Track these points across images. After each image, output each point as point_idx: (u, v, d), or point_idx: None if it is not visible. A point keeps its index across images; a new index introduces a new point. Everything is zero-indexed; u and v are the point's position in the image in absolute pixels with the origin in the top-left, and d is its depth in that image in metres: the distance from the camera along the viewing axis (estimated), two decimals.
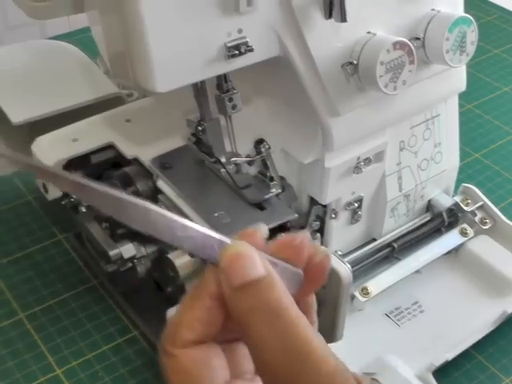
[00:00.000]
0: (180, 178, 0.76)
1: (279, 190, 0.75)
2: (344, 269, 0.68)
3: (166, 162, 0.78)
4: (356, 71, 0.72)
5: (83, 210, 0.81)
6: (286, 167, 0.81)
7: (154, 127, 0.83)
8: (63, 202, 0.83)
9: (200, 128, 0.75)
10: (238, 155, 0.76)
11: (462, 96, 0.88)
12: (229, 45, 0.67)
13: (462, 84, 0.85)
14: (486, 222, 0.90)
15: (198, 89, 0.73)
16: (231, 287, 0.46)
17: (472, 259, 0.88)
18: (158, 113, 0.86)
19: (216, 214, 0.72)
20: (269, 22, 0.69)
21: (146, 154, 0.79)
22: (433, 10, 0.78)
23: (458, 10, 0.80)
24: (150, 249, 0.79)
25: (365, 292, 0.82)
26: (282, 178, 0.80)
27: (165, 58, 0.65)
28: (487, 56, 1.28)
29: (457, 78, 0.84)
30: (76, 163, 0.82)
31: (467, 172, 1.05)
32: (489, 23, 1.39)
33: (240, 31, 0.68)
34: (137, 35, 0.64)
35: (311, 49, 0.71)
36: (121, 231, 0.83)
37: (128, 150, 0.80)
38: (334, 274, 0.68)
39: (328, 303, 0.70)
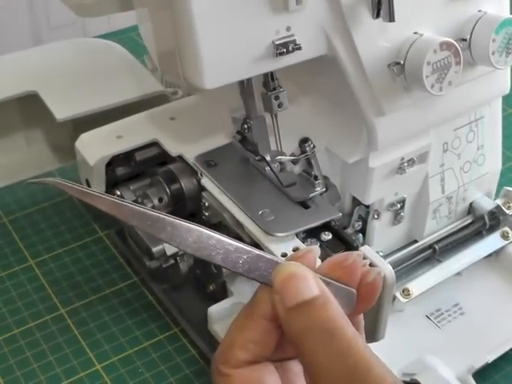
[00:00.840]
0: (224, 175, 0.77)
1: (323, 189, 0.75)
2: (388, 269, 0.68)
3: (210, 160, 0.78)
4: (402, 71, 0.72)
5: None
6: (330, 167, 0.81)
7: (199, 125, 0.83)
8: None
9: (245, 126, 0.75)
10: (282, 154, 0.76)
11: (504, 99, 0.88)
12: (277, 42, 0.67)
13: (506, 87, 0.85)
14: None
15: (245, 86, 0.74)
16: (285, 308, 0.46)
17: None
18: (203, 111, 0.86)
19: (260, 212, 0.72)
20: (317, 21, 0.69)
21: (191, 151, 0.80)
22: (479, 11, 0.77)
23: (505, 12, 0.80)
24: None
25: (406, 293, 0.82)
26: (325, 178, 0.80)
27: (214, 54, 0.65)
28: None
29: (501, 80, 0.84)
30: (120, 160, 0.83)
31: (508, 176, 1.05)
32: None
33: (288, 29, 0.68)
34: (187, 32, 0.64)
35: (358, 48, 0.71)
36: None
37: (172, 148, 0.81)
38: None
39: None
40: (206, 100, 0.87)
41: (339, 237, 0.72)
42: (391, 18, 0.70)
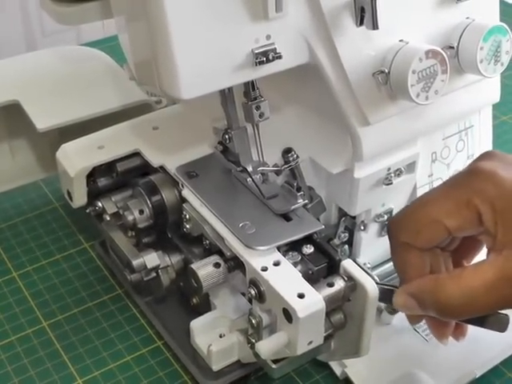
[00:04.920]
0: (205, 186, 0.75)
1: (306, 201, 0.73)
2: (370, 283, 0.66)
3: (191, 171, 0.76)
4: (387, 80, 0.71)
5: (107, 218, 0.80)
6: (315, 177, 0.79)
7: (182, 135, 0.82)
8: (88, 210, 0.82)
9: (227, 136, 0.73)
10: (265, 164, 0.75)
11: (496, 107, 0.86)
12: (256, 51, 0.65)
13: (496, 94, 0.83)
14: None
15: (225, 96, 0.72)
16: None
17: None
18: (187, 120, 0.84)
19: (241, 224, 0.70)
20: (298, 29, 0.67)
21: (173, 162, 0.78)
22: (468, 18, 0.76)
23: (494, 19, 0.78)
24: (175, 258, 0.78)
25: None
26: (310, 188, 0.79)
27: (190, 64, 0.64)
28: None
29: (491, 88, 0.82)
30: (102, 171, 0.81)
31: None
32: None
33: (268, 37, 0.66)
34: (162, 41, 0.63)
35: (342, 56, 0.69)
36: (146, 240, 0.82)
37: (154, 158, 0.79)
38: (360, 288, 0.66)
39: (354, 317, 0.68)
40: (190, 109, 0.85)
41: (322, 250, 0.70)
42: (375, 26, 0.68)
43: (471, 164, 0.71)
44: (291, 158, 0.74)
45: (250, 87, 0.71)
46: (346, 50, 0.69)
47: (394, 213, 0.82)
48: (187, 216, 0.75)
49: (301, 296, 0.65)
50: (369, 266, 0.83)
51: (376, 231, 0.82)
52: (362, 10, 0.68)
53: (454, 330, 0.74)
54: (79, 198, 0.81)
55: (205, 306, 0.79)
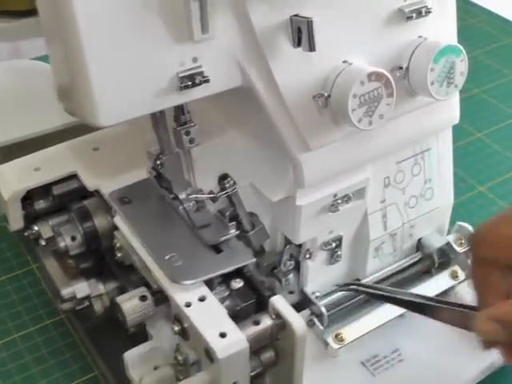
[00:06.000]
0: (138, 214, 0.71)
1: (237, 232, 0.69)
2: (298, 322, 0.62)
3: (125, 197, 0.73)
4: (328, 104, 0.67)
5: (43, 243, 0.77)
6: (258, 203, 0.75)
7: (122, 157, 0.78)
8: (26, 234, 0.79)
9: (158, 162, 0.70)
10: (199, 191, 0.71)
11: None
12: (181, 75, 0.62)
13: (454, 116, 0.79)
14: None
15: (157, 119, 0.68)
16: None
17: None
18: (128, 141, 0.81)
19: (168, 256, 0.67)
20: (229, 51, 0.64)
21: (108, 185, 0.75)
22: (420, 36, 0.72)
23: (450, 38, 0.74)
24: (110, 286, 0.75)
25: (339, 339, 0.76)
26: (253, 215, 0.75)
27: (109, 89, 0.60)
28: (504, 80, 1.20)
29: (449, 109, 0.78)
30: (40, 194, 0.78)
31: (470, 206, 0.98)
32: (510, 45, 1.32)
33: (195, 60, 0.63)
34: (78, 64, 0.59)
35: (278, 79, 0.65)
36: (84, 265, 0.79)
37: (90, 181, 0.76)
38: (288, 327, 0.63)
39: (285, 355, 0.65)
40: (134, 128, 0.82)
41: (251, 285, 0.66)
42: (311, 48, 0.64)
43: None
44: (227, 185, 0.70)
45: (179, 111, 0.67)
46: (282, 72, 0.65)
47: (344, 240, 0.78)
48: (118, 244, 0.72)
49: (223, 335, 0.61)
50: (318, 294, 0.79)
51: (324, 259, 0.79)
52: (299, 30, 0.64)
53: None
54: (15, 222, 0.78)
55: (143, 335, 0.76)
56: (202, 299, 0.64)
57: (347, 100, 0.65)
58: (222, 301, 0.65)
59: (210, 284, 0.66)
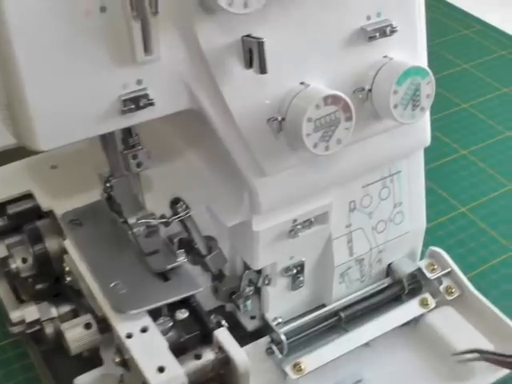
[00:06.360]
0: (88, 237, 0.69)
1: (185, 260, 0.67)
2: (240, 356, 0.60)
3: (76, 219, 0.71)
4: (283, 128, 0.64)
5: None
6: (216, 227, 0.73)
7: (81, 176, 0.76)
8: None
9: (108, 184, 0.67)
10: (150, 216, 0.69)
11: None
12: (124, 98, 0.59)
13: (425, 139, 0.76)
14: (452, 292, 0.80)
15: (106, 141, 0.66)
16: None
17: (430, 334, 0.78)
18: (90, 159, 0.78)
19: (113, 284, 0.65)
20: (176, 73, 0.61)
21: (62, 206, 0.73)
22: (385, 57, 0.69)
23: (419, 58, 0.71)
24: (64, 309, 0.73)
25: (297, 368, 0.73)
26: (211, 239, 0.73)
27: (48, 112, 0.58)
28: (495, 95, 1.16)
29: (418, 132, 0.75)
30: None
31: (450, 228, 0.95)
32: (502, 58, 1.28)
33: (139, 82, 0.60)
34: (15, 86, 0.57)
35: (229, 102, 0.63)
36: (40, 286, 0.77)
37: (44, 201, 0.74)
38: (231, 362, 0.60)
39: None
40: (93, 147, 0.79)
41: (197, 316, 0.64)
42: (262, 70, 0.61)
43: None
44: (180, 209, 0.68)
45: (127, 134, 0.65)
46: (234, 95, 0.63)
47: (306, 266, 0.76)
48: (67, 268, 0.70)
49: (161, 369, 0.59)
50: (280, 321, 0.77)
51: (286, 285, 0.76)
52: (250, 51, 0.61)
53: None
54: None
55: (98, 359, 0.74)
56: (144, 330, 0.62)
57: (301, 124, 0.62)
58: (166, 332, 0.63)
59: (154, 313, 0.64)
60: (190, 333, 0.63)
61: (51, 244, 0.72)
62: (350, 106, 0.64)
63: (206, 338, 0.63)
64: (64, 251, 0.71)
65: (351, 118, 0.64)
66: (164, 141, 0.73)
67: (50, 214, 0.74)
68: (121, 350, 0.62)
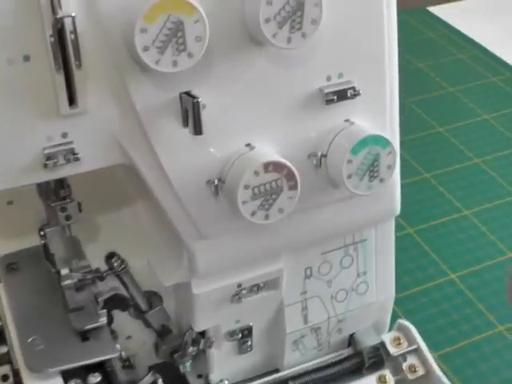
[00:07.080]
0: (21, 284, 0.67)
1: (105, 322, 0.64)
2: None
3: (14, 262, 0.69)
4: (220, 191, 0.61)
5: None
6: (159, 282, 0.70)
7: (31, 214, 0.74)
8: None
9: (42, 233, 0.65)
10: (84, 268, 0.66)
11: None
12: (47, 151, 0.57)
13: (393, 207, 0.71)
14: (416, 371, 0.75)
15: (41, 189, 0.64)
16: None
17: None
18: None
19: (31, 338, 0.62)
20: (105, 127, 0.58)
21: (5, 247, 0.71)
22: (347, 121, 0.64)
23: (386, 124, 0.66)
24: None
25: None
26: (155, 294, 0.70)
27: None
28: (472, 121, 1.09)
29: (385, 201, 0.70)
30: None
31: (435, 295, 0.89)
32: (493, 84, 1.21)
33: (65, 135, 0.57)
34: None
35: (163, 161, 0.60)
36: None
37: None
38: None
39: None
40: None
41: (110, 381, 0.61)
42: (197, 131, 0.58)
43: None
44: (115, 264, 0.66)
45: (58, 185, 0.62)
46: (169, 154, 0.60)
47: (255, 330, 0.72)
48: None
49: None
50: (227, 383, 0.73)
51: (232, 348, 0.72)
52: (186, 111, 0.58)
53: None
54: None
55: None
56: None
57: (237, 191, 0.59)
58: None
59: (67, 374, 0.61)
60: None
61: None
62: (295, 174, 0.60)
63: None
64: None
65: (296, 186, 0.60)
66: (118, 186, 0.70)
67: None
68: None
